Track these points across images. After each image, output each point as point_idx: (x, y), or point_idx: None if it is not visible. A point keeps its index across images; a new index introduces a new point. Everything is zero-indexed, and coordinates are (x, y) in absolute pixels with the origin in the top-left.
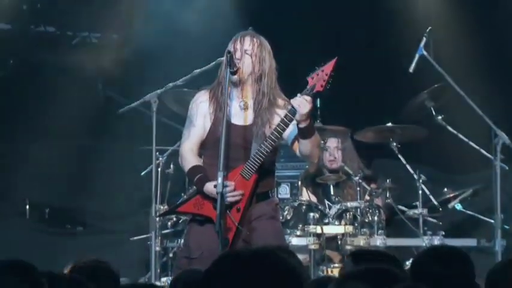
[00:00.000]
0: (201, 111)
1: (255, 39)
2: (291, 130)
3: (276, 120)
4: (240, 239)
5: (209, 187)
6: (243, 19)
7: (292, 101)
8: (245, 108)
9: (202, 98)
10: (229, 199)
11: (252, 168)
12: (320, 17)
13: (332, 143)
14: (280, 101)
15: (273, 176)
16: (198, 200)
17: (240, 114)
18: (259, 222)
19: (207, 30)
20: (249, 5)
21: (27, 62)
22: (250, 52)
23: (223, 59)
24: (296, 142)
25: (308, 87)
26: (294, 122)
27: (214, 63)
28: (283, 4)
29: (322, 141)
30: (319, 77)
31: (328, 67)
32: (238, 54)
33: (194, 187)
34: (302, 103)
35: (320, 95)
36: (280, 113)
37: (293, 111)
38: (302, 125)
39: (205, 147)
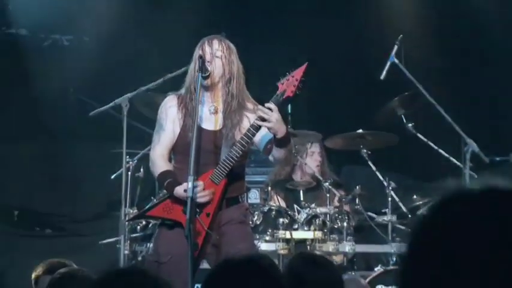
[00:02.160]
0: (170, 116)
1: (222, 43)
2: (262, 135)
3: (245, 123)
4: (209, 243)
5: (179, 191)
6: (216, 23)
7: (257, 113)
8: (215, 112)
9: (171, 103)
10: (199, 199)
11: (222, 173)
12: (293, 23)
13: (316, 147)
14: (250, 104)
15: (243, 181)
16: (167, 205)
17: (210, 119)
18: (229, 226)
19: (180, 34)
20: (223, 8)
21: None
22: (220, 55)
23: (190, 65)
24: (268, 147)
25: (278, 92)
26: (265, 128)
27: (184, 68)
28: (254, 11)
29: (307, 148)
30: (290, 82)
31: (299, 72)
32: (208, 57)
33: (164, 191)
34: (266, 114)
35: (291, 100)
36: (250, 116)
37: (261, 119)
38: (279, 135)
39: (175, 152)
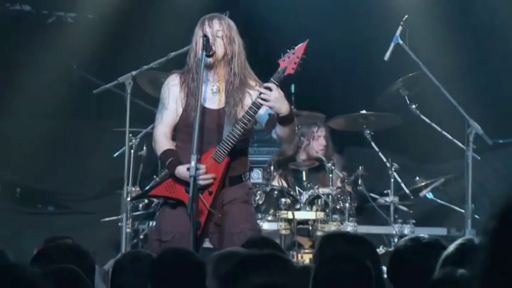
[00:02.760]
0: (173, 95)
1: (223, 21)
2: (264, 112)
3: (248, 100)
4: (212, 222)
5: (181, 170)
6: (218, 1)
7: (258, 98)
8: (218, 91)
9: (173, 82)
10: (201, 182)
11: (224, 151)
12: (297, 2)
13: (322, 131)
14: (251, 81)
15: (246, 159)
16: (170, 184)
17: (213, 98)
18: (232, 206)
19: (183, 12)
20: None
21: (2, 40)
22: (221, 34)
23: (192, 45)
24: (270, 124)
25: (279, 70)
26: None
27: (187, 47)
28: None
29: (313, 131)
30: (291, 60)
31: (300, 49)
32: (210, 37)
33: (166, 170)
34: (267, 92)
35: (295, 81)
36: (252, 93)
37: (263, 98)
38: (282, 113)
39: (178, 131)
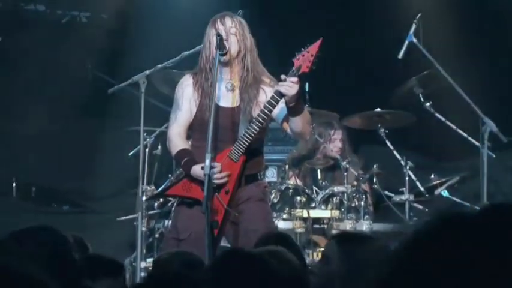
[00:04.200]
0: (186, 95)
1: (234, 19)
2: (280, 109)
3: (262, 97)
4: (228, 220)
5: (196, 170)
6: (231, 1)
7: (278, 86)
8: (232, 89)
9: (187, 82)
10: (216, 181)
11: (240, 150)
12: (310, 1)
13: (338, 134)
14: (266, 78)
15: (262, 158)
16: (186, 183)
17: (228, 96)
18: (248, 204)
19: (197, 11)
20: None
21: (17, 40)
22: (234, 31)
23: (204, 44)
24: (286, 121)
25: (294, 68)
26: (282, 101)
27: (201, 46)
28: None
29: (329, 135)
30: (305, 58)
31: (314, 48)
32: (223, 35)
33: (181, 169)
34: (288, 87)
35: (310, 79)
36: (266, 90)
37: (279, 93)
38: (291, 105)
39: (193, 130)
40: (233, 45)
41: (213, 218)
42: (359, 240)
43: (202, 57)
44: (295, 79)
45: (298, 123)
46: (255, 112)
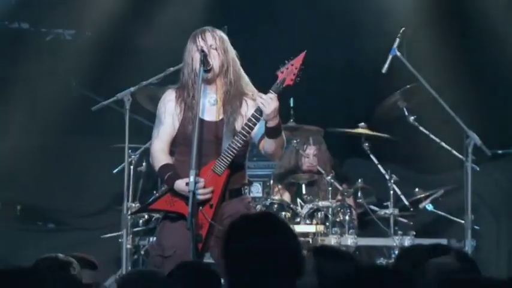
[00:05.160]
0: (169, 109)
1: (214, 33)
2: (258, 127)
3: (244, 108)
4: (213, 235)
5: (180, 184)
6: (216, 17)
7: (257, 101)
8: (215, 103)
9: (169, 97)
10: (200, 197)
11: (225, 164)
12: (295, 16)
13: (310, 149)
14: (249, 90)
15: (245, 171)
16: (169, 197)
17: (211, 110)
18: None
19: (181, 27)
20: (223, 4)
21: (1, 58)
22: (215, 46)
23: (185, 61)
24: (262, 139)
25: (278, 81)
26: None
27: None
28: (259, 4)
29: (302, 150)
30: (289, 71)
31: (298, 61)
32: (206, 52)
33: (165, 184)
34: (266, 102)
35: (294, 94)
36: (249, 102)
37: (261, 110)
38: (270, 124)
39: (176, 144)
40: (215, 59)
41: (197, 232)
42: (334, 255)
43: (184, 74)
44: (273, 95)
45: (272, 145)
46: (238, 123)
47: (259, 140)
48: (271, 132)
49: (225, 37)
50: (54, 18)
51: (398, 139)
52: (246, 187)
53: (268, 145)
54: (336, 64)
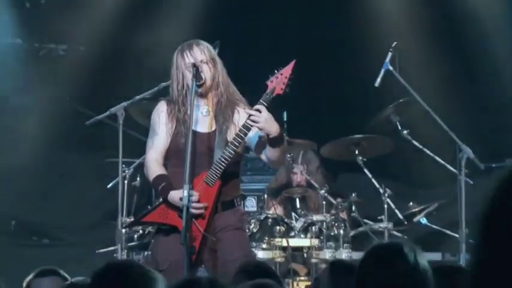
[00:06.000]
0: (162, 120)
1: (201, 46)
2: (253, 134)
3: (236, 116)
4: (206, 246)
5: (174, 196)
6: (208, 32)
7: (247, 120)
8: (208, 114)
9: (162, 108)
10: (194, 211)
11: (216, 174)
12: (286, 27)
13: (298, 168)
14: (238, 99)
15: (238, 183)
16: (163, 210)
17: (204, 121)
18: (226, 233)
19: (174, 42)
20: (215, 18)
21: None
22: (206, 60)
23: (174, 75)
24: (260, 147)
25: (268, 91)
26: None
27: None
28: (250, 18)
29: (291, 167)
30: (279, 80)
31: (287, 70)
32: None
33: (160, 199)
34: (256, 117)
35: (287, 108)
36: (240, 110)
37: (252, 120)
38: (272, 135)
39: (169, 156)
40: (206, 72)
41: (190, 244)
42: (350, 270)
43: (173, 90)
44: (261, 106)
45: (275, 152)
46: (231, 132)
47: (255, 147)
48: (273, 142)
49: (210, 47)
50: (46, 33)
51: (392, 145)
52: (238, 199)
53: (271, 153)
54: (329, 79)
